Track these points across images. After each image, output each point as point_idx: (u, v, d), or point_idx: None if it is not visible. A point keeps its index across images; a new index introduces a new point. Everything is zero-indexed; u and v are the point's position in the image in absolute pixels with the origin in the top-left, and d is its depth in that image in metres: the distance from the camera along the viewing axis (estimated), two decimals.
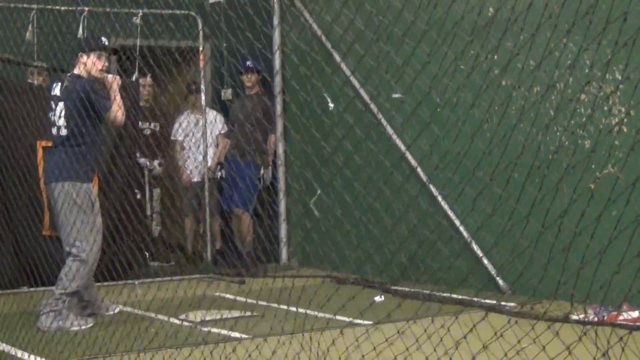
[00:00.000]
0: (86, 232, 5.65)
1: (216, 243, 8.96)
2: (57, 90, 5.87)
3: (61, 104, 5.75)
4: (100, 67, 5.80)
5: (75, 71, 5.85)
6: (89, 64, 5.80)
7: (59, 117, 5.75)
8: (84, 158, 5.72)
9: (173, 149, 9.18)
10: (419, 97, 6.37)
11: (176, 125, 9.16)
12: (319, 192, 7.11)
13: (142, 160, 8.55)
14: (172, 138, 9.17)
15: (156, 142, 8.75)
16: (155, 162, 8.78)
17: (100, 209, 5.96)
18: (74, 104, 5.67)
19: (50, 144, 6.03)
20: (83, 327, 5.65)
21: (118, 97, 5.80)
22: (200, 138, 8.77)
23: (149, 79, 8.63)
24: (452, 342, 3.36)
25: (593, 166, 5.75)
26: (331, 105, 7.28)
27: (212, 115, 8.97)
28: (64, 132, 5.73)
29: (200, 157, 8.82)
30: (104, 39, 5.89)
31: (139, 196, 8.07)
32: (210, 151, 8.86)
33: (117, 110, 5.75)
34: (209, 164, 8.84)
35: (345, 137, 7.22)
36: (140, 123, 8.63)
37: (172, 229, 9.14)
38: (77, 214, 5.64)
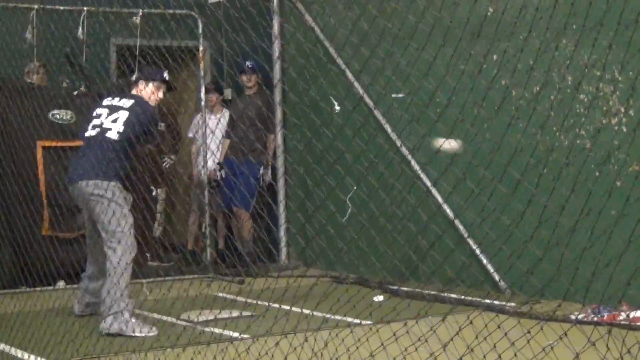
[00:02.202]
0: (124, 226, 5.68)
1: (219, 242, 8.97)
2: (116, 102, 6.15)
3: (124, 113, 6.01)
4: (158, 98, 6.31)
5: (137, 93, 6.28)
6: (149, 93, 6.25)
7: (113, 121, 5.98)
8: (120, 161, 5.86)
9: (187, 146, 9.22)
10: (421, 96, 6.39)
11: (194, 123, 9.18)
12: (355, 187, 7.09)
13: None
14: (189, 135, 9.21)
15: (164, 140, 8.80)
16: (167, 158, 8.82)
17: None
18: (140, 121, 6.00)
19: (58, 144, 6.28)
20: (149, 335, 5.48)
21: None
22: (218, 136, 8.82)
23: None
24: (450, 342, 3.37)
25: (592, 166, 5.77)
26: (337, 107, 7.30)
27: (226, 115, 9.02)
28: (115, 135, 5.91)
29: (214, 154, 8.85)
30: (165, 73, 6.32)
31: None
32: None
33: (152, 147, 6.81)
34: (213, 162, 8.86)
35: (345, 137, 7.23)
36: None
37: (174, 228, 9.13)
38: (115, 210, 5.69)
